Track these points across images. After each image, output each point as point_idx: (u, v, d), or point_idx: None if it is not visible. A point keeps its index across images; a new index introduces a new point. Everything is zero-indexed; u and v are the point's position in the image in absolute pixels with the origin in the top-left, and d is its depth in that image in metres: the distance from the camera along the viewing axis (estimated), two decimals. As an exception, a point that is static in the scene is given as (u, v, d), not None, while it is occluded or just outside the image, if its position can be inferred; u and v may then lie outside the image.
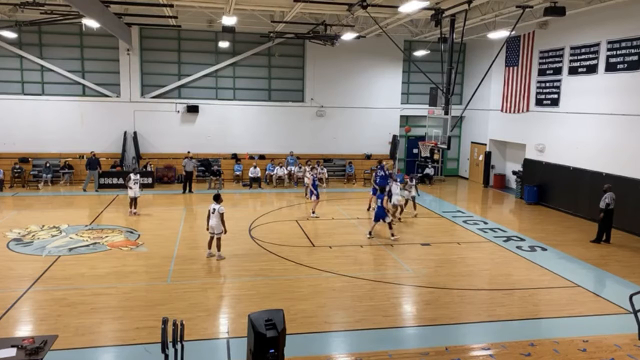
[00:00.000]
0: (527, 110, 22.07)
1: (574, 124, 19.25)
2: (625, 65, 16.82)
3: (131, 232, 15.27)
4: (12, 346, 6.26)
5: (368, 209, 18.73)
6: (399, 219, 17.42)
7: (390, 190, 16.50)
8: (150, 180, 22.96)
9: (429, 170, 26.61)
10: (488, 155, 25.45)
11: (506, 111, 23.65)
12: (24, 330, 8.75)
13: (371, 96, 26.58)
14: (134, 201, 17.56)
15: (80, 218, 16.99)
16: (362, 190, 23.30)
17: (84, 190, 21.92)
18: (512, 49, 22.94)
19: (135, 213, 17.47)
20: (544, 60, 21.01)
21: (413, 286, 11.27)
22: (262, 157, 25.60)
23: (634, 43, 16.41)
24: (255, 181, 23.55)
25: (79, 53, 23.94)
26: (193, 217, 17.63)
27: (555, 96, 20.34)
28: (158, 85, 24.74)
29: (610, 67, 17.45)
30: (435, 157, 27.51)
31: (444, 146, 18.56)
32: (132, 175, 17.68)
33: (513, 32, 17.52)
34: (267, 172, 24.71)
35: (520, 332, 9.00)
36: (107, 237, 14.70)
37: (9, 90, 23.45)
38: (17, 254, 12.93)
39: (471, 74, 26.79)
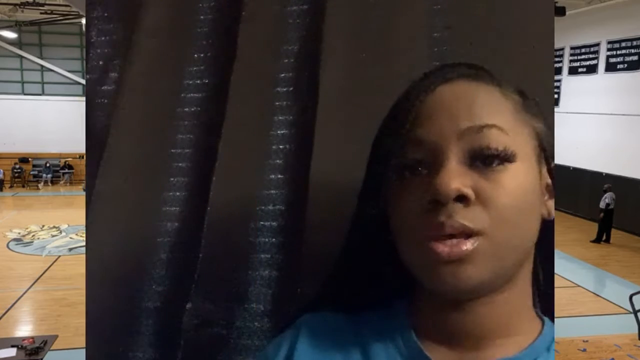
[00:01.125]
0: (527, 110, 22.02)
1: (574, 124, 19.23)
2: (625, 65, 16.81)
3: (131, 232, 15.25)
4: (12, 346, 6.26)
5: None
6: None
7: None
8: (150, 180, 22.95)
9: (429, 170, 26.57)
10: (488, 155, 25.38)
11: (506, 111, 23.60)
12: (24, 330, 8.75)
13: (371, 96, 26.56)
14: (134, 201, 17.54)
15: (80, 218, 16.98)
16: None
17: (84, 190, 21.92)
18: (512, 49, 22.88)
19: (135, 213, 17.45)
20: (544, 60, 20.97)
21: (413, 286, 11.25)
22: (262, 157, 25.59)
23: (634, 43, 16.41)
24: (255, 181, 23.53)
25: (79, 53, 23.92)
26: (193, 217, 17.60)
27: (555, 96, 20.33)
28: (158, 85, 24.72)
29: (610, 67, 17.44)
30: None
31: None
32: (132, 175, 17.68)
33: (513, 32, 17.51)
34: (267, 172, 24.69)
35: (520, 332, 8.98)
36: (107, 237, 14.67)
37: (9, 90, 23.44)
38: (17, 254, 12.93)
39: (471, 74, 26.73)
